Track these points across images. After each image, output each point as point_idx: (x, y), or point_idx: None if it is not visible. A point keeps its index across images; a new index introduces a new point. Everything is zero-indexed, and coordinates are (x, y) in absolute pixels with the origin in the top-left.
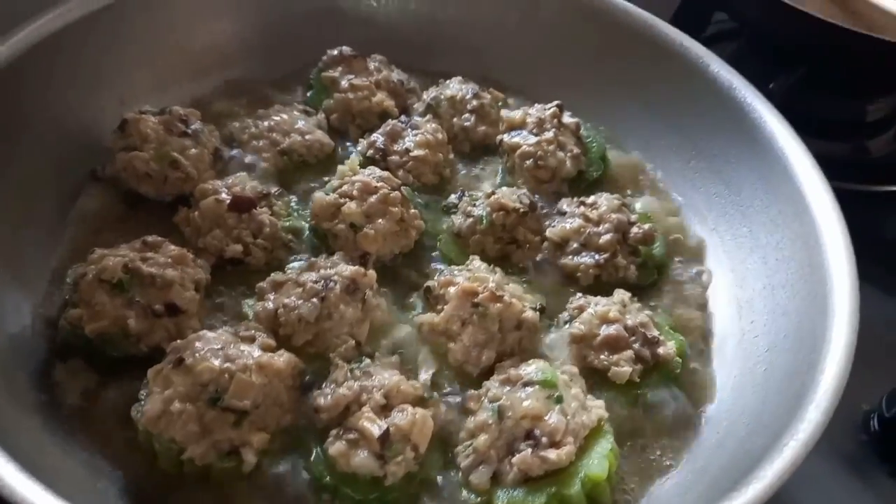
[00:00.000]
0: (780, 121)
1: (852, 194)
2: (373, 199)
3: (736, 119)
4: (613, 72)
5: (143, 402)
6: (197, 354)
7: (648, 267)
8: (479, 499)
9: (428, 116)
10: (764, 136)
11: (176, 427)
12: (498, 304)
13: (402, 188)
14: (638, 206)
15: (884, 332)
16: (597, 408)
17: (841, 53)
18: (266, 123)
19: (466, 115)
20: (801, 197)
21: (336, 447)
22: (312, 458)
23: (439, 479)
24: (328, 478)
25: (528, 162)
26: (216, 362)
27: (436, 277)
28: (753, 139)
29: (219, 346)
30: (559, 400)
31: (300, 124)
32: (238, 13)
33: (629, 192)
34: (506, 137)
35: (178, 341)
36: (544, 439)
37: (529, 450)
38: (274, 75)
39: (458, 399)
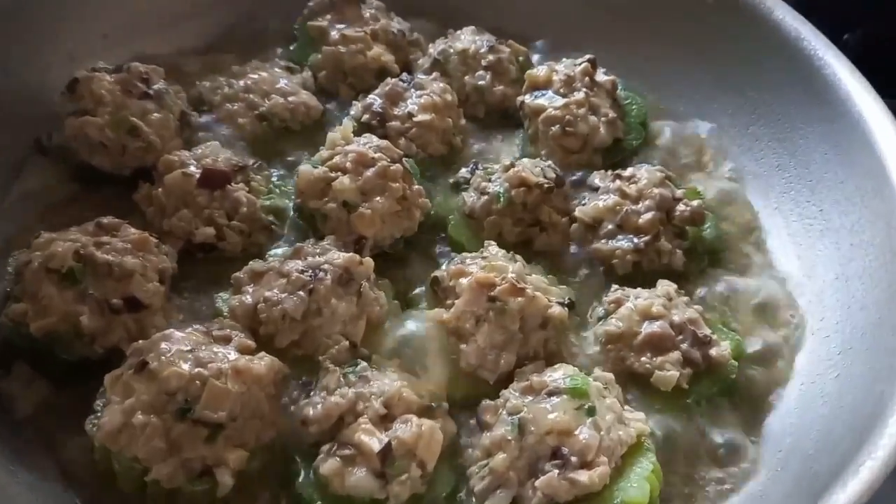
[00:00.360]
0: (857, 78)
1: None
2: (369, 172)
3: (804, 77)
4: (657, 21)
5: (99, 414)
6: (162, 358)
7: (697, 252)
8: None
9: (434, 74)
10: (838, 96)
11: (139, 443)
12: (519, 299)
13: (404, 160)
14: (688, 181)
15: None
16: (636, 421)
17: None
18: (242, 83)
19: (481, 72)
20: (883, 169)
21: (328, 465)
22: (300, 479)
23: (450, 499)
24: (319, 502)
25: (554, 128)
26: (185, 367)
27: (445, 266)
28: (825, 101)
29: (188, 348)
30: (591, 412)
31: (282, 84)
32: None
33: (675, 163)
34: (528, 99)
35: (140, 342)
36: (573, 459)
37: (556, 471)
38: (252, 26)
39: (472, 410)
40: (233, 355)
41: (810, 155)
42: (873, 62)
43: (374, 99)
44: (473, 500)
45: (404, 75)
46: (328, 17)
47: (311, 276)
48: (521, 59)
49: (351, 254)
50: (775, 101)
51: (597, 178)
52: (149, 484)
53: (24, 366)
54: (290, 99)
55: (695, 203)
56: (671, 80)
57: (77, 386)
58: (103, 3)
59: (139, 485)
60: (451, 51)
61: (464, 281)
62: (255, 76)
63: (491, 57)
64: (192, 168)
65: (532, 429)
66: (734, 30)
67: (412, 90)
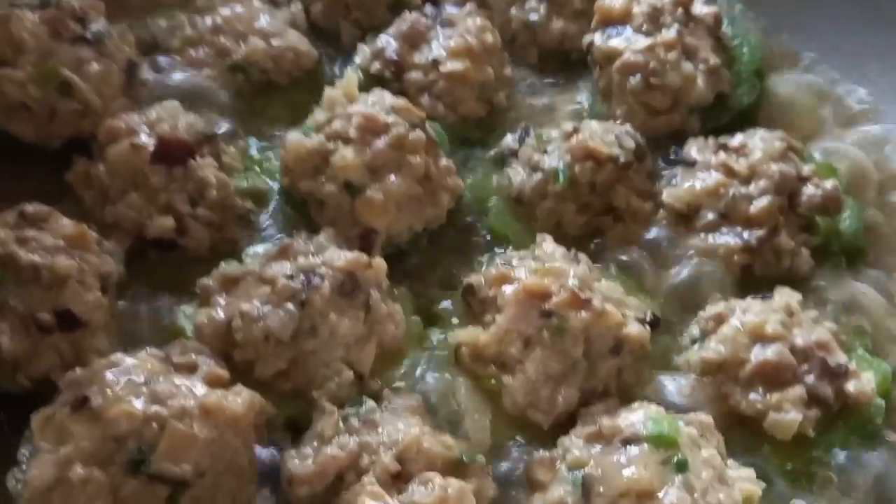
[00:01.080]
0: None
1: None
2: (380, 142)
3: None
4: None
5: (24, 466)
6: (108, 392)
7: (832, 251)
8: None
9: (469, 6)
10: None
11: None
12: (583, 314)
13: (428, 125)
14: (816, 153)
15: None
16: (743, 480)
17: None
18: (209, 21)
19: (532, 2)
20: None
21: None
22: None
23: None
24: None
25: (634, 80)
26: (139, 405)
27: (482, 270)
28: None
29: (142, 380)
30: (682, 467)
31: (263, 23)
32: None
33: (800, 127)
34: (598, 39)
35: (78, 370)
36: None
37: None
38: None
39: (520, 464)
40: (200, 389)
41: None
42: None
43: (388, 41)
44: None
45: (428, 6)
46: None
47: (303, 284)
48: None
49: (356, 253)
50: None
51: (693, 149)
52: None
53: None
54: (273, 42)
55: (828, 184)
56: (799, 11)
57: None
58: None
59: None
60: None
61: (508, 290)
62: (227, 11)
63: None
64: (144, 138)
65: (601, 489)
66: None
67: (438, 28)
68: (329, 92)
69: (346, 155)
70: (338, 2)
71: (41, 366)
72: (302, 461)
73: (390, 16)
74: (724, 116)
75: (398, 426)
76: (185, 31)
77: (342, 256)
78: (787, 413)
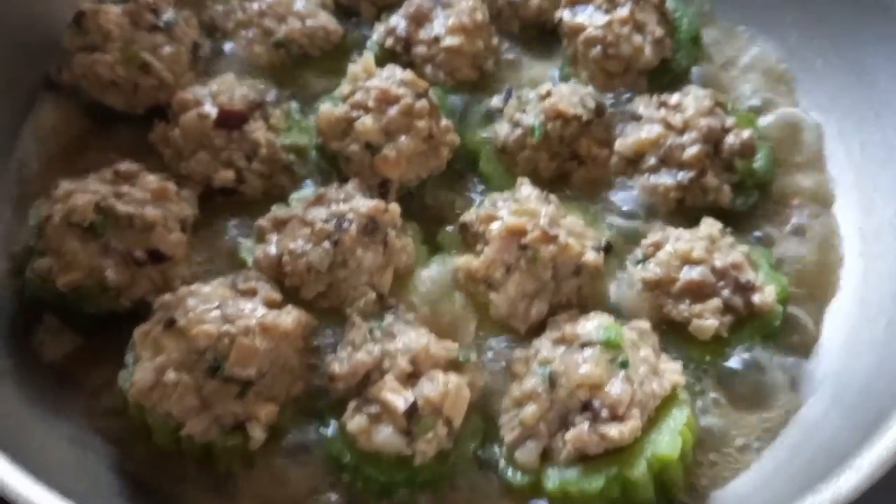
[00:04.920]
0: None
1: None
2: (393, 110)
3: None
4: None
5: (130, 370)
6: (190, 315)
7: (747, 186)
8: (525, 479)
9: None
10: None
11: (171, 400)
12: (551, 246)
13: (431, 92)
14: (738, 100)
15: None
16: (671, 372)
17: None
18: (256, 6)
19: None
20: None
21: (355, 422)
22: (329, 434)
23: (479, 454)
24: (348, 456)
25: (594, 50)
26: (213, 325)
27: (474, 209)
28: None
29: (215, 304)
30: (624, 364)
31: (299, 6)
32: None
33: (730, 84)
34: (566, 15)
35: (167, 296)
36: (604, 412)
37: (586, 424)
38: None
39: (502, 361)
40: (260, 311)
41: (875, 77)
42: None
43: (398, 21)
44: (504, 449)
45: None
46: None
47: (335, 226)
48: None
49: (376, 201)
50: (842, 17)
51: (641, 106)
52: (183, 439)
53: (53, 316)
54: (307, 23)
55: (745, 134)
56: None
57: (105, 338)
58: None
59: (174, 439)
60: None
61: (494, 227)
62: None
63: None
64: (208, 107)
65: (563, 381)
66: None
67: (439, 8)
68: (352, 68)
69: (366, 121)
70: None
71: (138, 291)
72: (340, 363)
73: None
74: (667, 76)
75: (411, 335)
76: (237, 15)
77: (365, 204)
78: (707, 320)
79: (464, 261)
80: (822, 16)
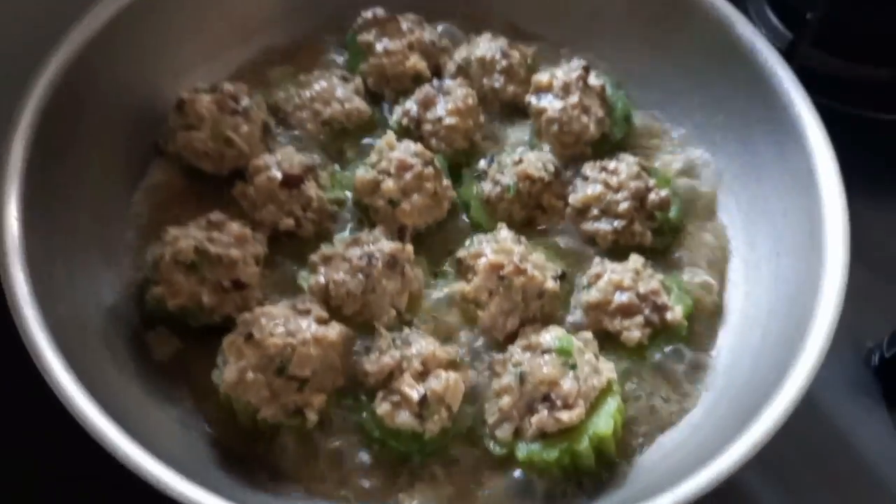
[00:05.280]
0: (798, 89)
1: (892, 124)
2: (408, 175)
3: (757, 82)
4: (640, 26)
5: (221, 370)
6: (264, 330)
7: (664, 231)
8: (503, 449)
9: (459, 80)
10: (781, 103)
11: (250, 393)
12: (522, 277)
13: (435, 160)
14: (658, 164)
15: None
16: (607, 370)
17: None
18: (308, 94)
19: (496, 75)
20: (811, 172)
21: (382, 408)
22: (363, 414)
23: (470, 431)
24: (377, 432)
25: (553, 127)
26: (280, 338)
27: (466, 245)
28: (771, 105)
29: (280, 321)
30: (573, 367)
31: (339, 92)
32: None
33: (651, 150)
34: (533, 100)
35: (247, 314)
36: (559, 402)
37: (546, 411)
38: (316, 31)
39: (486, 362)
40: (313, 327)
41: (757, 148)
42: (834, 33)
43: (411, 105)
44: (487, 428)
45: (435, 81)
46: (373, 31)
47: (367, 262)
48: (529, 61)
49: (397, 243)
50: (735, 101)
51: (587, 169)
52: (259, 420)
53: (164, 328)
54: (346, 105)
55: (663, 192)
56: (657, 80)
57: (203, 344)
58: (196, 31)
59: (253, 420)
60: (472, 58)
61: (480, 262)
62: (318, 87)
63: (504, 62)
64: (274, 171)
65: (530, 379)
66: (706, 40)
67: (441, 96)
68: (378, 144)
69: (389, 183)
70: (381, 77)
71: (225, 310)
72: (370, 364)
73: (413, 85)
74: (606, 146)
75: (422, 343)
76: (294, 100)
77: (388, 246)
78: (633, 332)
79: (459, 287)
80: (721, 101)
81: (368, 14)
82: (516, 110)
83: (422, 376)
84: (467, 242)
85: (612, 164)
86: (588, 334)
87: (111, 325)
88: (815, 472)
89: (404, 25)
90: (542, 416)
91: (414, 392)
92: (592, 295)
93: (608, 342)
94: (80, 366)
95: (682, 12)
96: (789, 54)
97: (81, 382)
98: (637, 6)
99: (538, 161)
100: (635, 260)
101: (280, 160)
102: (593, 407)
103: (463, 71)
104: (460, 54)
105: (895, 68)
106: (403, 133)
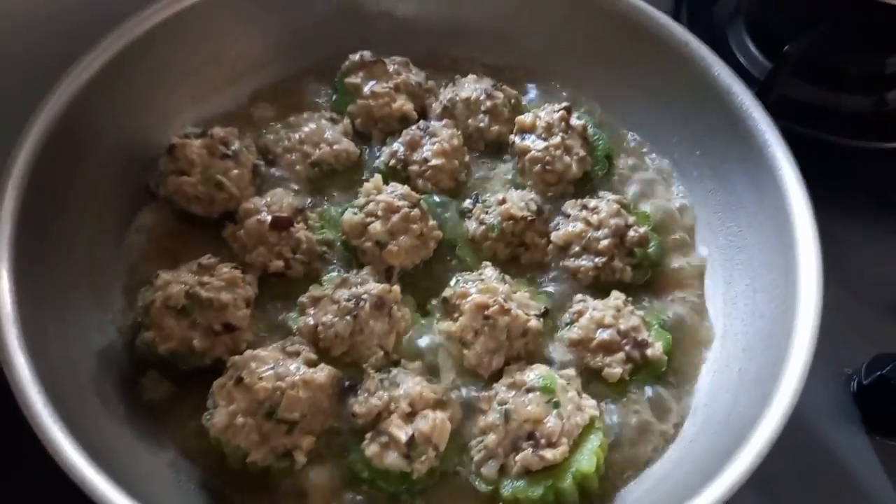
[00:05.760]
0: (772, 130)
1: (869, 152)
2: (395, 217)
3: (733, 123)
4: (626, 69)
5: (210, 414)
6: (253, 373)
7: (643, 266)
8: (488, 487)
9: (444, 121)
10: (756, 143)
11: (240, 436)
12: (506, 316)
13: (422, 201)
14: (641, 204)
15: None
16: (590, 407)
17: (861, 14)
18: (297, 136)
19: (481, 115)
20: (785, 211)
21: (371, 449)
22: (352, 455)
23: (457, 469)
24: (366, 472)
25: (536, 166)
26: (269, 382)
27: (452, 285)
28: (747, 145)
29: (270, 365)
30: (557, 405)
31: (328, 134)
32: (266, 17)
33: (631, 188)
34: (517, 140)
35: (237, 358)
36: (543, 440)
37: (530, 449)
38: (304, 74)
39: (472, 400)
40: (302, 370)
41: (734, 186)
42: (810, 64)
43: (398, 146)
44: (473, 466)
45: (421, 123)
46: (360, 73)
47: (354, 304)
48: (512, 101)
49: (384, 285)
50: (713, 140)
51: (569, 207)
52: (248, 463)
53: (155, 371)
54: (334, 147)
55: (642, 229)
56: (639, 118)
57: (193, 387)
58: (187, 74)
59: (242, 463)
60: (458, 98)
61: (466, 302)
62: (307, 129)
63: (488, 103)
64: (264, 214)
65: (515, 417)
66: (684, 81)
67: (427, 137)
68: (366, 186)
69: (376, 225)
70: (369, 119)
71: (216, 353)
72: (359, 405)
73: (400, 126)
74: (588, 184)
75: (409, 383)
76: (284, 142)
77: (376, 287)
78: (615, 368)
79: (445, 326)
80: (699, 138)
81: (356, 57)
82: (500, 150)
83: (409, 417)
84: (453, 282)
85: (592, 203)
86: (571, 371)
87: (102, 370)
88: (799, 500)
89: (391, 68)
90: (526, 454)
91: (402, 433)
92: (575, 332)
93: (591, 378)
94: (71, 413)
95: (663, 55)
96: (769, 84)
97: (71, 432)
98: (618, 49)
99: (521, 201)
100: (616, 297)
101: (270, 203)
102: (576, 444)
103: (448, 111)
104: (446, 95)
105: (872, 97)
106: (391, 173)
